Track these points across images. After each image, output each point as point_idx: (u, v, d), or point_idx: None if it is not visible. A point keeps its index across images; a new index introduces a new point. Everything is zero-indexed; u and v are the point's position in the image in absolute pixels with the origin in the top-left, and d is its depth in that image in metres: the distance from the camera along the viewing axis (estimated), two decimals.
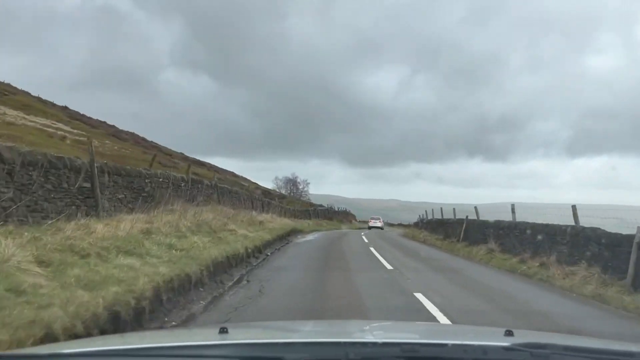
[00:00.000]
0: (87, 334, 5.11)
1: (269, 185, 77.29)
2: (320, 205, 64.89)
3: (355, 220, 77.68)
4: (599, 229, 14.50)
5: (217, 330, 2.49)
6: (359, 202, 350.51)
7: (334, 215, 64.81)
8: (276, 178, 79.93)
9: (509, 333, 2.50)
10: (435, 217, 36.74)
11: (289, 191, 78.27)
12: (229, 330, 2.49)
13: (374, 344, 2.32)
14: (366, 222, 60.21)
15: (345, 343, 2.30)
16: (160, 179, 16.18)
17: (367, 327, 3.42)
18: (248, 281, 11.22)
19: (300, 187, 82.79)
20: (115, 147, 41.81)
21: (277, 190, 75.43)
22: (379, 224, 53.19)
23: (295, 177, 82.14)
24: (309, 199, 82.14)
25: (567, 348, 2.24)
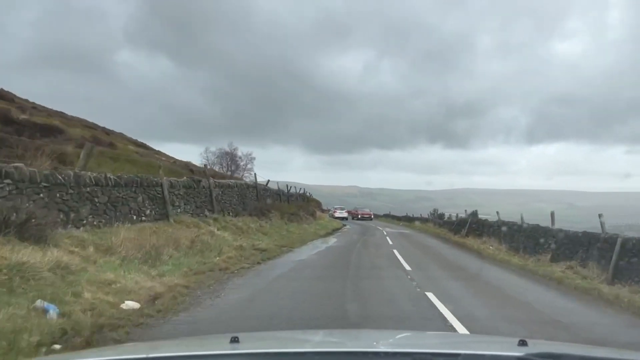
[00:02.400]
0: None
1: (196, 160, 59.39)
2: (265, 188, 35.26)
3: (322, 210, 60.39)
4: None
5: (229, 340, 2.50)
6: (320, 188, 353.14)
7: (283, 207, 35.99)
8: (207, 150, 63.06)
9: (522, 343, 2.44)
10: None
11: (225, 168, 62.43)
12: (240, 340, 2.50)
13: (386, 353, 2.33)
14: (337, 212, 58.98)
15: (357, 353, 2.35)
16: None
17: (379, 337, 3.43)
18: None
19: (242, 162, 68.05)
20: None
21: (209, 166, 61.34)
22: (344, 214, 53.80)
23: (234, 150, 66.75)
24: (253, 180, 58.84)
25: (582, 358, 2.23)
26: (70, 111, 55.23)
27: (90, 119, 51.00)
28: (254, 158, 72.55)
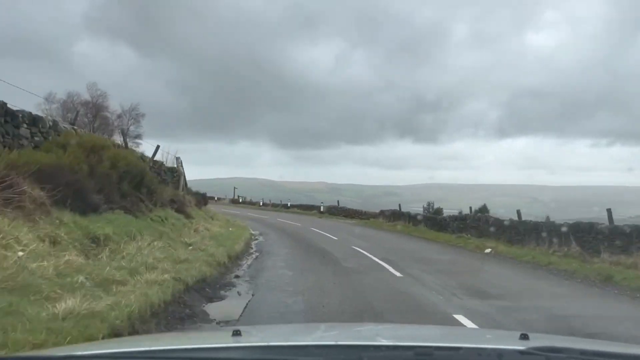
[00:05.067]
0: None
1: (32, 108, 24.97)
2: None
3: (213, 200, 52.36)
4: None
5: (230, 333, 2.52)
6: (287, 184, 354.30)
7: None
8: (51, 97, 42.76)
9: (524, 337, 2.44)
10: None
11: (89, 126, 43.40)
12: (242, 333, 2.52)
13: (388, 347, 2.37)
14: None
15: (358, 346, 2.37)
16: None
17: (381, 330, 3.51)
18: None
19: (112, 118, 53.55)
20: None
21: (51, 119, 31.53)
22: None
23: (98, 97, 49.66)
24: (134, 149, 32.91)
25: (584, 352, 2.25)
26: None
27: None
28: (142, 115, 56.68)
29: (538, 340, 2.45)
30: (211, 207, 35.86)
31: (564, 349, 2.21)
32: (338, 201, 50.37)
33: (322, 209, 48.33)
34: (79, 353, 2.27)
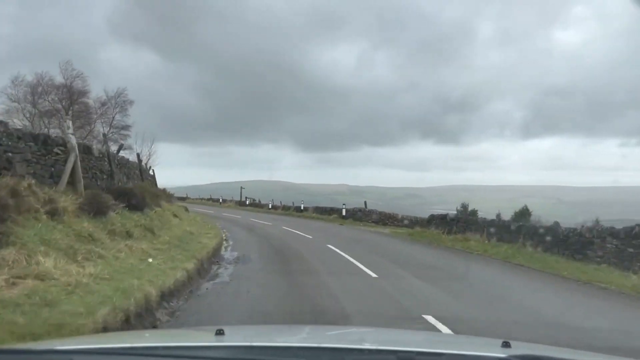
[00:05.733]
0: None
1: None
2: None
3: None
4: None
5: (214, 332, 2.50)
6: (308, 187, 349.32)
7: None
8: (17, 80, 42.11)
9: (505, 344, 2.48)
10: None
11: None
12: (225, 332, 2.51)
13: (370, 350, 2.42)
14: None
15: (342, 349, 2.37)
16: None
17: (365, 334, 3.53)
18: None
19: (95, 106, 50.02)
20: None
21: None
22: None
23: (74, 79, 47.16)
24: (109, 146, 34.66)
25: None
26: None
27: None
28: (132, 102, 52.60)
29: (519, 349, 2.48)
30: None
31: (544, 357, 2.30)
32: (365, 202, 38.78)
33: (343, 213, 36.98)
34: (59, 347, 2.30)
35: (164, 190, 35.76)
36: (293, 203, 51.58)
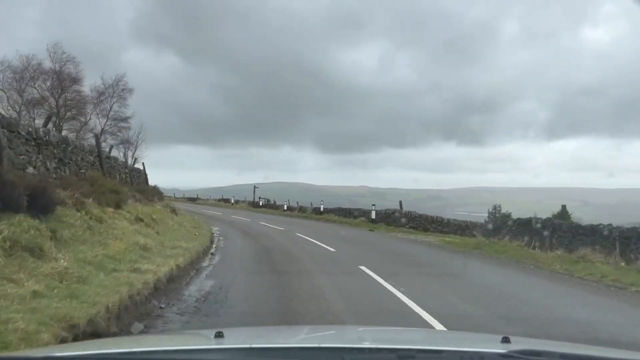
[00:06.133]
0: None
1: None
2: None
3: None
4: None
5: (213, 335, 2.48)
6: (329, 189, 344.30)
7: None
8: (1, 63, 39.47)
9: (505, 340, 2.48)
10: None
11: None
12: (225, 335, 2.49)
13: (370, 349, 2.35)
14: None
15: (341, 348, 2.32)
16: None
17: (364, 333, 3.45)
18: None
19: (92, 95, 46.31)
20: None
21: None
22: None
23: (64, 64, 43.18)
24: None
25: (564, 356, 2.23)
26: None
27: None
28: (131, 90, 48.35)
29: (519, 344, 2.45)
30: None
31: (544, 352, 2.21)
32: (400, 202, 31.47)
33: (373, 216, 29.91)
34: (58, 354, 2.26)
35: (154, 187, 29.81)
36: (311, 204, 44.98)
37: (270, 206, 52.88)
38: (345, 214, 34.94)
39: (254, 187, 58.08)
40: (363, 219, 30.84)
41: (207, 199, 75.70)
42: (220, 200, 70.61)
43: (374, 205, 30.21)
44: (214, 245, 17.13)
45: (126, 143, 51.81)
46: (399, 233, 25.70)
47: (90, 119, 50.15)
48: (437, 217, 28.78)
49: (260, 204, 54.41)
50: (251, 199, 58.76)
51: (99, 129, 50.53)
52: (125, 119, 51.71)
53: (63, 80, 45.24)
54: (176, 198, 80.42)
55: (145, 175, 31.04)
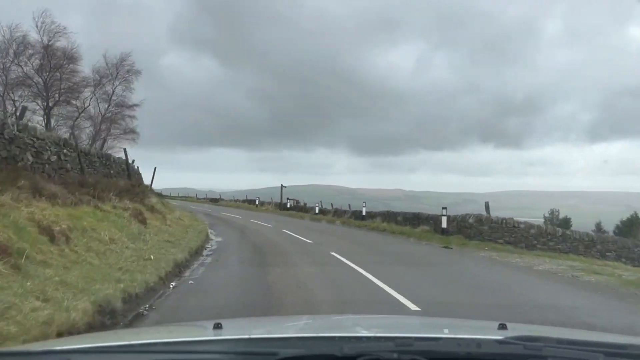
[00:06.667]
0: None
1: None
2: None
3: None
4: None
5: (212, 326, 2.48)
6: (363, 192, 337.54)
7: None
8: None
9: (502, 326, 2.50)
10: None
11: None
12: (223, 326, 2.49)
13: (369, 338, 2.37)
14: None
15: (340, 337, 2.29)
16: None
17: (362, 322, 3.43)
18: None
19: (92, 77, 41.05)
20: None
21: None
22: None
23: (53, 36, 36.92)
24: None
25: (560, 341, 2.21)
26: None
27: None
28: (138, 72, 41.88)
29: (516, 330, 2.50)
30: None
31: (540, 337, 2.22)
32: (487, 203, 21.84)
33: (444, 224, 20.69)
34: (58, 348, 2.25)
35: (145, 187, 22.35)
36: (350, 206, 36.34)
37: (300, 208, 44.52)
38: (396, 220, 26.15)
39: (281, 186, 49.74)
40: (426, 227, 21.99)
41: (229, 200, 69.07)
42: (244, 201, 62.88)
43: (444, 208, 20.92)
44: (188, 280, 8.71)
45: (130, 133, 43.98)
46: (496, 253, 16.56)
47: (89, 104, 42.53)
48: (552, 229, 19.60)
49: (288, 205, 46.07)
50: (278, 200, 50.51)
51: (106, 117, 43.05)
52: (132, 107, 43.92)
53: (52, 56, 37.56)
54: (198, 199, 76.83)
55: (127, 166, 23.01)
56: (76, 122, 41.56)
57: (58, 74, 38.28)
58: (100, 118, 42.54)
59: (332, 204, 42.32)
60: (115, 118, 43.34)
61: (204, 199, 77.87)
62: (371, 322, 3.42)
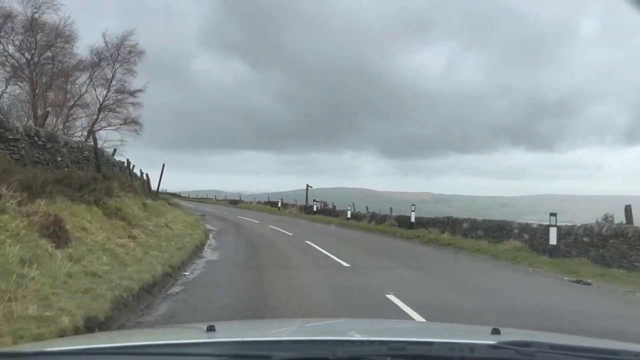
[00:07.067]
0: None
1: None
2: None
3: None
4: None
5: (205, 328, 2.42)
6: (391, 195, 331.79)
7: None
8: None
9: (495, 331, 2.47)
10: None
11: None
12: (217, 328, 2.43)
13: (362, 342, 2.33)
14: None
15: (333, 341, 2.27)
16: None
17: (356, 325, 3.41)
18: None
19: (89, 58, 35.95)
20: None
21: None
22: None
23: (38, 8, 31.20)
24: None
25: (553, 346, 2.21)
26: None
27: None
28: (142, 53, 36.99)
29: (509, 335, 2.45)
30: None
31: (533, 343, 2.19)
32: (628, 208, 14.08)
33: (553, 239, 13.34)
34: (49, 349, 2.21)
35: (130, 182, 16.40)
36: (391, 210, 29.74)
37: (328, 212, 38.03)
38: (462, 230, 19.43)
39: (307, 186, 43.31)
40: (516, 243, 15.18)
41: (250, 202, 63.54)
42: (266, 203, 56.77)
43: (554, 215, 13.71)
44: None
45: (132, 124, 37.83)
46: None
47: (86, 91, 36.68)
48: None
49: (315, 209, 39.63)
50: (303, 202, 44.17)
51: (104, 106, 37.21)
52: (134, 93, 37.86)
53: (37, 31, 31.73)
54: (217, 200, 75.64)
55: (96, 154, 16.98)
56: (70, 113, 35.82)
57: (52, 54, 32.67)
58: (99, 105, 36.57)
59: (367, 207, 35.72)
60: (114, 107, 37.24)
61: (223, 200, 73.46)
62: (365, 326, 3.39)
